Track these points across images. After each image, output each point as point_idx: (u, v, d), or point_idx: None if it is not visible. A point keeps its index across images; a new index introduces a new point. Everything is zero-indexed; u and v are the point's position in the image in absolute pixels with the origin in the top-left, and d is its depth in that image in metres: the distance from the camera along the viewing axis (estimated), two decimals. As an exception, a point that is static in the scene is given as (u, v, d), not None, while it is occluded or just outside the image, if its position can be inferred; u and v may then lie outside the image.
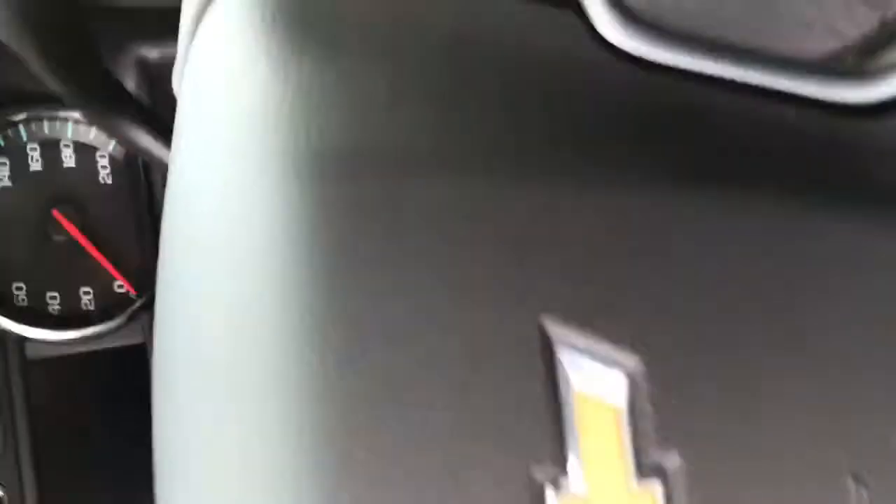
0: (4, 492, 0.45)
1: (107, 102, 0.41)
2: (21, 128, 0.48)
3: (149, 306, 0.48)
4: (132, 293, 0.49)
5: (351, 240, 0.15)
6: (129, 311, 0.48)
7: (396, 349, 0.15)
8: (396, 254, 0.15)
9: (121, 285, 0.49)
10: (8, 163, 0.48)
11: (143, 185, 0.50)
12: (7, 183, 0.48)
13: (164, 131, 0.41)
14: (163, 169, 0.43)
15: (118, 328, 0.48)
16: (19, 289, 0.47)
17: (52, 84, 0.36)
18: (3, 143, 0.48)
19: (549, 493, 0.15)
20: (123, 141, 0.43)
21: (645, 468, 0.15)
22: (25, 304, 0.47)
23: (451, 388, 0.15)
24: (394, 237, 0.15)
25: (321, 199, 0.15)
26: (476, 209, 0.15)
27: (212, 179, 0.17)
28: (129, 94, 0.40)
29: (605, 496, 0.15)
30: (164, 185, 0.49)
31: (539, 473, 0.15)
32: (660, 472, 0.15)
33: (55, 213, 0.48)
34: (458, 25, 0.17)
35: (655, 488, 0.15)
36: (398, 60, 0.16)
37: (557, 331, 0.15)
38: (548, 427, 0.15)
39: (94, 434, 0.48)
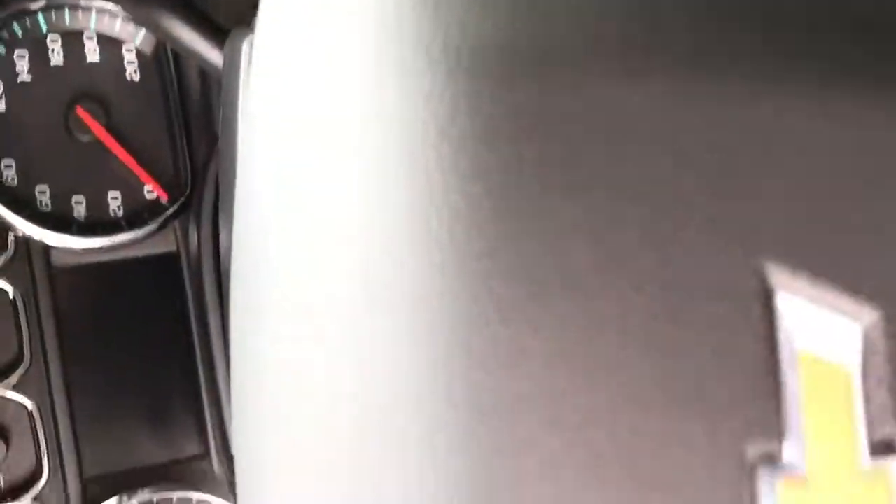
0: (33, 403, 0.43)
1: None
2: (40, 17, 0.45)
3: (181, 213, 0.46)
4: (164, 199, 0.46)
5: (525, 157, 0.12)
6: (161, 217, 0.45)
7: (577, 297, 0.12)
8: (579, 174, 0.12)
9: (151, 190, 0.46)
10: (27, 55, 0.44)
11: (174, 83, 0.46)
12: (26, 77, 0.44)
13: (204, 24, 0.38)
14: (204, 65, 0.40)
15: (149, 236, 0.45)
16: (42, 192, 0.44)
17: None
18: (20, 35, 0.44)
19: (763, 473, 0.12)
20: (159, 33, 0.39)
21: (878, 444, 0.12)
22: (49, 208, 0.44)
23: (646, 346, 0.12)
24: (576, 154, 0.12)
25: (500, 99, 0.12)
26: (681, 120, 0.12)
27: (344, 81, 0.14)
28: None
29: (830, 478, 0.12)
30: (200, 83, 0.46)
31: (751, 450, 0.12)
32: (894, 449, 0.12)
33: (79, 109, 0.44)
34: None
35: (891, 468, 0.12)
36: None
37: (780, 278, 0.12)
38: (763, 393, 0.12)
39: (124, 344, 0.46)
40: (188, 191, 0.46)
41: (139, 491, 0.45)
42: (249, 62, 0.27)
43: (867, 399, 0.13)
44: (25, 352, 0.43)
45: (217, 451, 0.46)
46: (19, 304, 0.43)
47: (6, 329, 0.43)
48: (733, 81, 0.12)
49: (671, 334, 0.12)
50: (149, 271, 0.46)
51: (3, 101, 0.44)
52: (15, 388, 0.43)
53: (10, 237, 0.43)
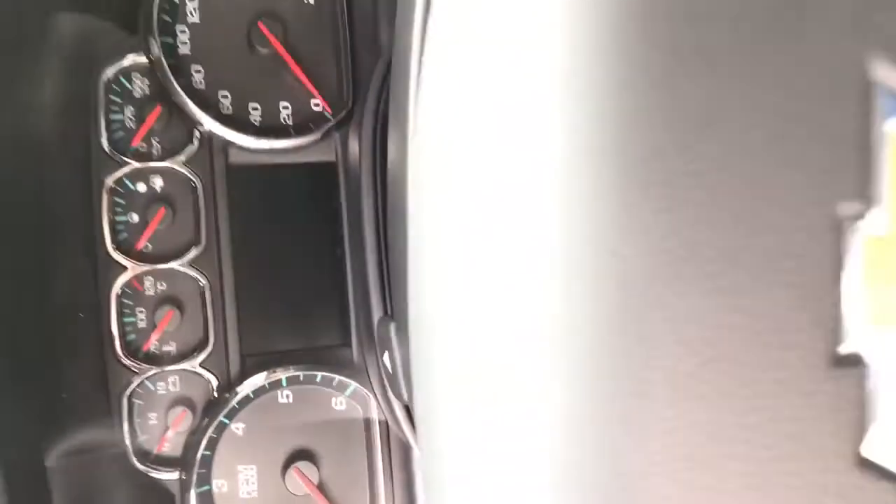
0: (206, 280, 0.49)
1: None
2: (233, -60, 0.50)
3: (342, 125, 0.50)
4: (327, 111, 0.50)
5: None
6: (324, 128, 0.50)
7: (714, 71, 0.15)
8: None
9: (317, 103, 0.51)
10: (221, -27, 0.50)
11: (345, 9, 0.51)
12: (220, -7, 0.50)
13: None
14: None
15: (312, 144, 0.50)
16: (225, 97, 0.50)
17: None
18: (218, -46, 0.50)
19: (850, 227, 0.15)
20: None
21: None
22: (230, 112, 0.50)
23: (764, 111, 0.15)
24: None
25: None
26: None
27: None
28: None
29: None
30: (372, 8, 0.50)
31: (842, 208, 0.15)
32: None
33: (260, 24, 0.49)
34: None
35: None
36: None
37: (881, 71, 0.15)
38: (857, 164, 0.15)
39: (282, 239, 0.51)
40: (350, 106, 0.50)
41: (288, 368, 0.50)
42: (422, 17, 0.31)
43: None
44: (202, 234, 0.49)
45: (358, 342, 0.50)
46: (200, 192, 0.49)
47: (187, 213, 0.49)
48: None
49: (786, 107, 0.15)
50: (309, 175, 0.51)
51: (198, 14, 0.49)
52: (188, 265, 0.49)
53: (196, 133, 0.49)
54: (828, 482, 0.16)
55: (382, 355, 0.40)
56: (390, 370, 0.38)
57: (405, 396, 0.38)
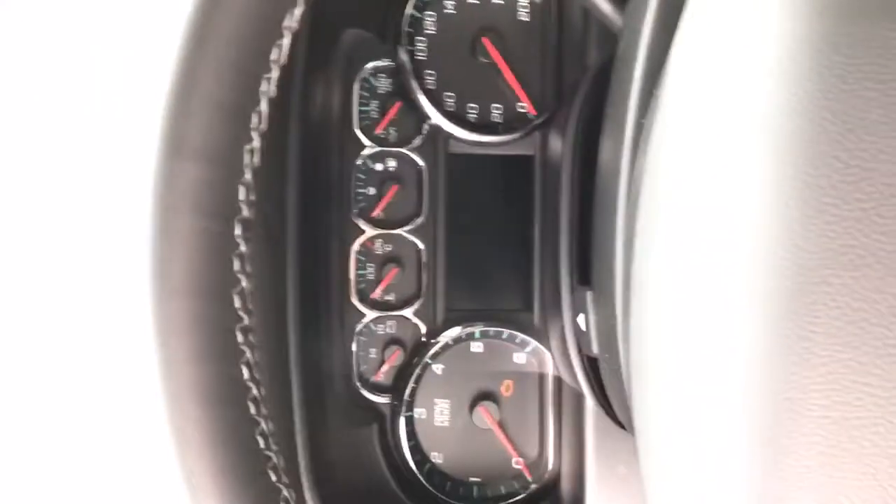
0: (423, 244, 0.60)
1: None
2: (467, -33, 0.60)
3: (543, 126, 0.60)
4: (531, 113, 0.60)
5: None
6: (528, 126, 0.60)
7: None
8: None
9: (523, 105, 0.61)
10: (455, -5, 0.61)
11: (555, 26, 0.60)
12: (451, 10, 0.61)
13: None
14: (599, 16, 0.53)
15: (517, 139, 0.60)
16: (449, 97, 0.60)
17: None
18: (451, -22, 0.60)
19: None
20: None
21: None
22: (453, 109, 0.60)
23: None
24: None
25: None
26: None
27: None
28: None
29: None
30: (582, 27, 0.59)
31: None
32: None
33: (485, 39, 0.60)
34: None
35: None
36: None
37: None
38: None
39: (486, 217, 0.61)
40: (552, 111, 0.60)
41: (480, 324, 0.61)
42: (657, 12, 0.40)
43: None
44: (424, 208, 0.60)
45: (540, 308, 0.60)
46: (424, 173, 0.60)
47: (412, 190, 0.60)
48: None
49: None
50: (513, 165, 0.61)
51: (434, 26, 0.60)
52: (411, 232, 0.60)
53: (425, 126, 0.60)
54: None
55: (576, 317, 0.50)
56: (584, 329, 0.48)
57: (595, 350, 0.48)
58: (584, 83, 0.57)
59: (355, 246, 0.60)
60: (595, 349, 0.47)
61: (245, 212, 0.30)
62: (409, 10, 0.59)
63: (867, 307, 0.25)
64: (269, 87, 0.30)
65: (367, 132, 0.60)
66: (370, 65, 0.60)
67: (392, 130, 0.60)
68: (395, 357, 0.60)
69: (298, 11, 0.30)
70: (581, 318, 0.49)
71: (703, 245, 0.28)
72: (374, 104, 0.60)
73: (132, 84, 0.28)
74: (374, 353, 0.61)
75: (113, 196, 0.29)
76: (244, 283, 0.30)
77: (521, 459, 0.61)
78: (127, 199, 0.28)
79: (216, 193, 0.29)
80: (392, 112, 0.60)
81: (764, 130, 0.26)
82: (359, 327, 0.60)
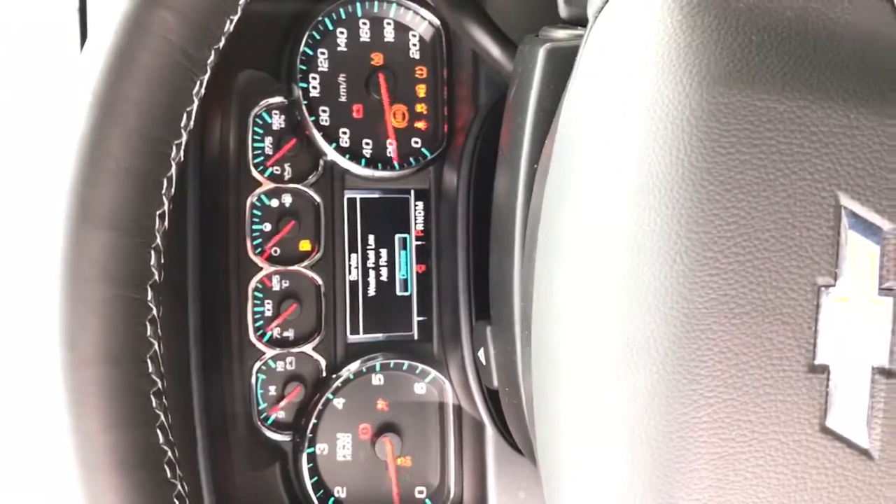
0: (322, 281, 0.61)
1: (461, 4, 0.53)
2: (358, 5, 0.61)
3: (435, 161, 0.62)
4: (424, 148, 0.62)
5: None
6: (422, 162, 0.61)
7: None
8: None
9: (416, 142, 0.62)
10: (346, 33, 0.61)
11: (445, 64, 0.62)
12: (343, 48, 0.61)
13: (497, 33, 0.53)
14: (490, 61, 0.55)
15: (411, 174, 0.62)
16: (344, 133, 0.61)
17: None
18: (344, 17, 0.61)
19: (824, 293, 0.26)
20: (464, 34, 0.55)
21: (884, 289, 0.26)
22: (347, 145, 0.61)
23: (777, 222, 0.26)
24: None
25: None
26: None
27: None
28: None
29: (858, 299, 0.26)
30: (472, 68, 0.61)
31: (819, 280, 0.26)
32: (892, 293, 0.26)
33: (379, 75, 0.61)
34: None
35: (889, 301, 0.26)
36: None
37: (847, 202, 0.26)
38: (830, 253, 0.26)
39: (381, 244, 0.62)
40: (444, 145, 0.62)
41: (380, 356, 0.61)
42: (544, 60, 0.42)
43: (881, 267, 0.26)
44: (322, 242, 0.60)
45: (439, 339, 0.62)
46: (321, 209, 0.61)
47: (309, 226, 0.61)
48: None
49: (792, 220, 0.26)
50: (408, 198, 0.62)
51: (327, 63, 0.61)
52: (308, 268, 0.60)
53: (321, 162, 0.61)
54: (803, 440, 0.27)
55: (477, 351, 0.52)
56: (483, 363, 0.50)
57: (494, 384, 0.49)
58: (477, 121, 0.59)
59: (252, 283, 0.60)
60: (495, 382, 0.49)
61: (156, 276, 0.30)
62: (301, 47, 0.60)
63: (746, 350, 0.27)
64: (178, 153, 0.30)
65: (262, 169, 0.60)
66: (264, 102, 0.60)
67: (288, 167, 0.60)
68: (296, 393, 0.60)
69: (206, 78, 0.30)
70: (481, 353, 0.50)
71: (601, 287, 0.30)
72: (268, 141, 0.60)
73: (40, 149, 0.28)
74: (274, 390, 0.60)
75: (22, 265, 0.28)
76: (156, 348, 0.30)
77: (423, 488, 0.62)
78: (36, 268, 0.28)
79: (127, 261, 0.29)
80: (286, 148, 0.60)
81: (652, 190, 0.28)
82: (258, 365, 0.60)
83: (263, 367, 0.60)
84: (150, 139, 0.29)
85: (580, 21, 0.49)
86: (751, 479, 0.28)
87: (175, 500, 0.31)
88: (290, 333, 0.61)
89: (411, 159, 0.62)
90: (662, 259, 0.28)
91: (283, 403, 0.60)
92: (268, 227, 0.60)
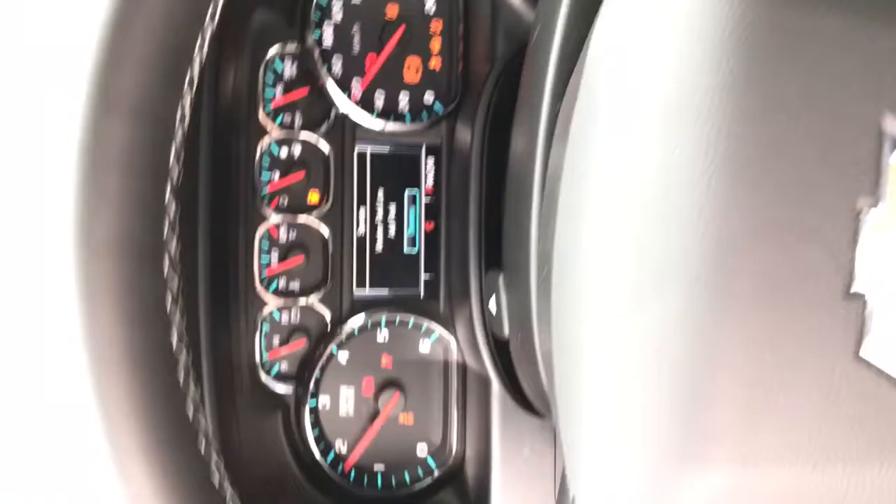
0: (329, 231, 0.60)
1: None
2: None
3: (449, 116, 0.61)
4: (437, 102, 0.61)
5: None
6: (435, 117, 0.61)
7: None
8: None
9: (430, 96, 0.61)
10: (362, -17, 0.60)
11: (461, 19, 0.61)
12: (357, 1, 0.60)
13: None
14: (513, 15, 0.54)
15: (424, 129, 0.61)
16: (357, 83, 0.60)
17: None
18: (361, -34, 0.60)
19: (865, 215, 0.26)
20: None
21: None
22: (360, 96, 0.60)
23: (818, 145, 0.26)
24: None
25: None
26: None
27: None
28: None
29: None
30: (488, 21, 0.60)
31: (861, 202, 0.26)
32: None
33: (394, 28, 0.60)
34: None
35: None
36: None
37: (891, 125, 0.26)
38: (871, 176, 0.26)
39: (392, 203, 0.61)
40: (457, 100, 0.61)
41: (385, 311, 0.61)
42: (569, 4, 0.41)
43: None
44: (331, 194, 0.60)
45: (446, 296, 0.61)
46: (331, 160, 0.60)
47: (319, 176, 0.60)
48: None
49: (835, 141, 0.26)
50: (419, 154, 0.61)
51: (342, 14, 0.60)
52: (318, 219, 0.60)
53: (332, 112, 0.60)
54: (836, 368, 0.27)
55: (486, 301, 0.51)
56: (494, 313, 0.49)
57: (506, 333, 0.49)
58: (493, 74, 0.58)
59: (259, 232, 0.59)
60: (507, 331, 0.48)
61: (175, 172, 0.29)
62: (316, -6, 0.59)
63: (781, 273, 0.27)
64: (203, 42, 0.29)
65: (273, 116, 0.59)
66: (277, 48, 0.59)
67: (298, 116, 0.60)
68: (300, 345, 0.60)
69: None
70: (492, 303, 0.50)
71: (629, 212, 0.30)
72: (280, 88, 0.59)
73: (62, 37, 0.27)
74: (278, 341, 0.60)
75: (38, 152, 0.27)
76: (173, 245, 0.30)
77: (425, 445, 0.61)
78: (54, 156, 0.27)
79: (147, 153, 0.28)
80: (297, 96, 0.59)
81: (688, 107, 0.27)
82: (263, 315, 0.59)
83: (268, 317, 0.59)
84: (175, 22, 0.28)
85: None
86: (781, 404, 0.27)
87: (189, 406, 0.30)
88: (295, 285, 0.60)
89: (423, 114, 0.61)
90: (696, 179, 0.27)
91: (285, 353, 0.60)
92: (276, 175, 0.59)
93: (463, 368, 0.62)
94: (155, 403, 0.29)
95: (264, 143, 0.59)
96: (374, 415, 0.61)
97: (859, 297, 0.27)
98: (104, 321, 0.28)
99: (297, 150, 0.60)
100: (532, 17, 0.55)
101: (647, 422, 0.29)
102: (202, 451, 0.31)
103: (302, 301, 0.60)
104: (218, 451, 0.32)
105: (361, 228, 0.61)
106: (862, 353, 0.27)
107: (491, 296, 0.50)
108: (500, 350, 0.52)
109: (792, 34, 0.26)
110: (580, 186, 0.33)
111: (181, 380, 0.30)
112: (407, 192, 0.62)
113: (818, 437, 0.27)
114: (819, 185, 0.26)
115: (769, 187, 0.26)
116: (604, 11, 0.34)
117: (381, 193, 0.61)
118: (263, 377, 0.59)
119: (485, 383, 0.60)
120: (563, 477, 0.38)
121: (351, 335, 0.60)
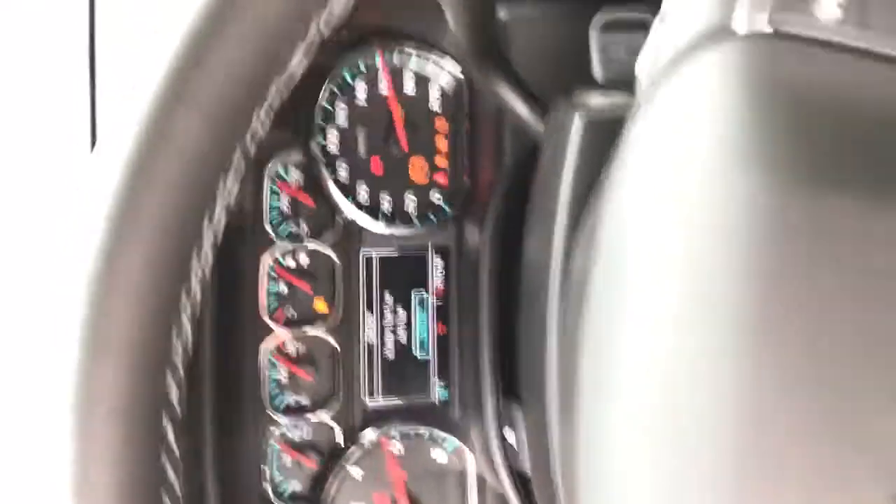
0: (338, 344, 0.58)
1: (485, 57, 0.51)
2: (377, 56, 0.59)
3: (458, 218, 0.59)
4: (445, 203, 0.59)
5: None
6: (443, 218, 0.59)
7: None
8: None
9: (437, 197, 0.59)
10: (365, 85, 0.59)
11: (466, 119, 0.59)
12: (363, 103, 0.59)
13: (525, 92, 0.51)
14: (517, 120, 0.53)
15: (431, 231, 0.59)
16: (362, 188, 0.59)
17: (457, 32, 0.46)
18: (363, 69, 0.59)
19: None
20: (487, 89, 0.53)
21: None
22: (366, 201, 0.59)
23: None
24: None
25: None
26: None
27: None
28: (499, 53, 0.50)
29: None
30: (494, 124, 0.58)
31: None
32: None
33: (400, 129, 0.58)
34: None
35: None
36: None
37: None
38: None
39: (403, 299, 0.59)
40: (466, 201, 0.59)
41: (398, 423, 0.58)
42: (581, 132, 0.40)
43: None
44: (337, 306, 0.58)
45: (461, 406, 0.59)
46: (338, 270, 0.58)
47: (326, 286, 0.58)
48: None
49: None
50: (426, 257, 0.60)
51: (346, 117, 0.58)
52: (326, 331, 0.58)
53: (338, 219, 0.58)
54: None
55: (502, 430, 0.49)
56: (515, 447, 0.47)
57: (527, 469, 0.47)
58: (503, 180, 0.56)
59: (267, 349, 0.57)
60: (527, 466, 0.46)
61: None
62: (321, 101, 0.57)
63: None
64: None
65: (277, 228, 0.57)
66: (281, 158, 0.57)
67: (304, 225, 0.58)
68: (311, 463, 0.57)
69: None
70: (510, 434, 0.47)
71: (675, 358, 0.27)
72: (285, 199, 0.58)
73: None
74: (289, 461, 0.58)
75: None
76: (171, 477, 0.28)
77: (443, 561, 0.59)
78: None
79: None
80: (302, 206, 0.58)
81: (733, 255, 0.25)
82: (272, 436, 0.57)
83: (278, 437, 0.57)
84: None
85: (615, 84, 0.46)
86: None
87: None
88: (305, 400, 0.58)
89: (431, 215, 0.59)
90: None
91: (296, 473, 0.57)
92: (283, 288, 0.57)
93: (481, 481, 0.59)
94: None
95: (269, 254, 0.57)
96: None
97: None
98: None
99: (303, 260, 0.58)
100: (537, 126, 0.54)
101: None
102: None
103: (312, 417, 0.58)
104: None
105: (371, 335, 0.59)
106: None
107: (505, 426, 0.48)
108: (524, 480, 0.50)
109: (832, 226, 0.24)
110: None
111: None
112: (414, 294, 0.60)
113: None
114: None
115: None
116: (621, 167, 0.32)
117: (388, 297, 0.59)
118: (275, 501, 0.57)
119: (503, 499, 0.57)
120: None
121: (364, 450, 0.58)
